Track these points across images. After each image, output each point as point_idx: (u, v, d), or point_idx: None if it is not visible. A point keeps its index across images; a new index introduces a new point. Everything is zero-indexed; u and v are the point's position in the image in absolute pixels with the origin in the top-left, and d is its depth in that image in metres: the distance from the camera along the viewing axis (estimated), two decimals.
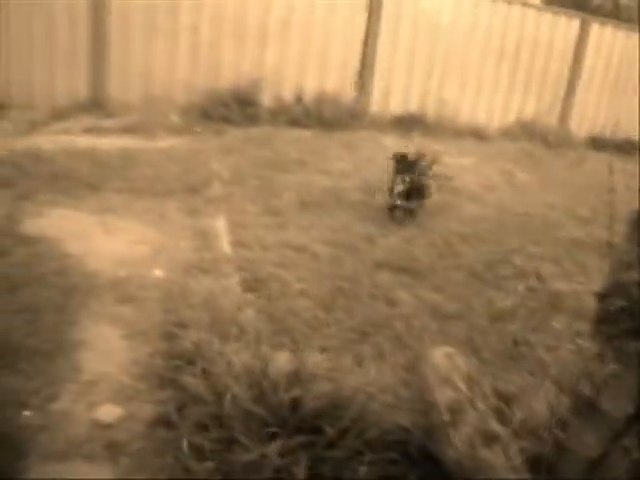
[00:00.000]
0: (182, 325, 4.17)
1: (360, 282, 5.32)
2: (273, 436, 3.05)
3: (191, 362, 3.72)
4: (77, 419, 3.38)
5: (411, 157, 6.92)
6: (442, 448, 2.82)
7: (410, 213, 6.96)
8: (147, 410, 3.51)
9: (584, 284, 5.88)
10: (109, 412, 3.45)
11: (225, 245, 5.67)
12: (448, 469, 2.78)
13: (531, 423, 2.95)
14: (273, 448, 2.96)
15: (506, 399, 3.14)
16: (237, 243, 5.73)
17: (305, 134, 9.74)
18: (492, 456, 2.60)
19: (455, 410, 2.83)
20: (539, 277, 5.94)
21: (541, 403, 3.24)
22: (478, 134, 11.37)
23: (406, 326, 4.75)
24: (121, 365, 3.86)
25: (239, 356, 3.57)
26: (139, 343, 4.09)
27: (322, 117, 10.17)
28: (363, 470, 2.94)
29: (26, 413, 3.35)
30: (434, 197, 7.25)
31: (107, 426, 3.37)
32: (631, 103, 12.57)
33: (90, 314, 4.33)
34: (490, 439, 2.68)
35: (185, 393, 3.49)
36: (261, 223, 6.32)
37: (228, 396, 3.22)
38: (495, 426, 2.76)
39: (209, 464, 3.02)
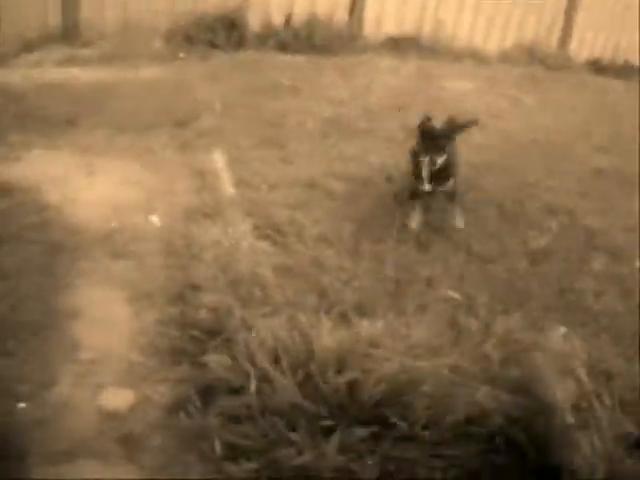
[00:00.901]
0: (193, 285, 3.59)
1: (383, 221, 4.76)
2: (328, 431, 2.48)
3: (210, 333, 3.14)
4: (81, 408, 2.81)
5: (442, 129, 4.94)
6: (566, 454, 2.27)
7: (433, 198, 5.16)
8: (163, 393, 2.93)
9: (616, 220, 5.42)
10: (118, 397, 2.87)
11: (227, 185, 5.03)
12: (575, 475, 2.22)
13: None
14: (330, 446, 2.39)
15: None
16: (239, 182, 5.11)
17: (295, 59, 8.99)
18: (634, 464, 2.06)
19: (581, 409, 2.27)
20: (569, 213, 5.43)
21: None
22: (477, 56, 10.64)
23: (443, 271, 4.24)
24: (126, 337, 3.26)
25: (268, 325, 2.99)
26: (144, 308, 3.49)
27: (313, 41, 9.39)
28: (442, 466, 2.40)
29: (20, 405, 2.75)
30: None
31: (117, 415, 2.79)
32: (632, 26, 11.87)
33: (82, 275, 3.71)
34: (626, 441, 2.13)
35: (207, 371, 2.93)
36: (262, 157, 5.68)
37: (264, 382, 2.64)
38: (629, 426, 2.21)
39: (249, 465, 2.46)
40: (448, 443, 2.46)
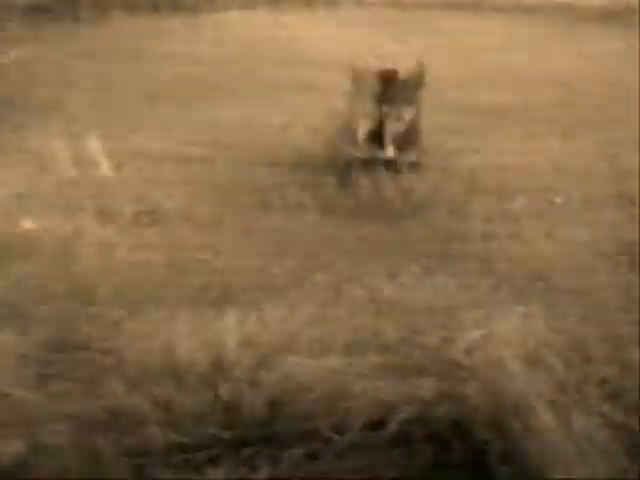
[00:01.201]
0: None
1: (246, 188, 4.33)
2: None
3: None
4: None
5: (406, 76, 4.19)
6: (548, 461, 1.81)
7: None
8: (58, 432, 2.34)
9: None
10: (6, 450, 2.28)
11: (67, 168, 4.45)
12: None
13: None
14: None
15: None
16: (80, 162, 4.54)
17: (138, 21, 8.56)
18: None
19: (560, 405, 1.82)
20: (440, 150, 5.09)
21: None
22: (328, 1, 10.30)
23: (314, 237, 3.78)
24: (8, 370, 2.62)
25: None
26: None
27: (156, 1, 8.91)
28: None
29: None
30: None
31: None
32: None
33: None
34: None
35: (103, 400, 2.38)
36: (105, 131, 5.08)
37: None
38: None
39: None
40: (359, 452, 2.01)
